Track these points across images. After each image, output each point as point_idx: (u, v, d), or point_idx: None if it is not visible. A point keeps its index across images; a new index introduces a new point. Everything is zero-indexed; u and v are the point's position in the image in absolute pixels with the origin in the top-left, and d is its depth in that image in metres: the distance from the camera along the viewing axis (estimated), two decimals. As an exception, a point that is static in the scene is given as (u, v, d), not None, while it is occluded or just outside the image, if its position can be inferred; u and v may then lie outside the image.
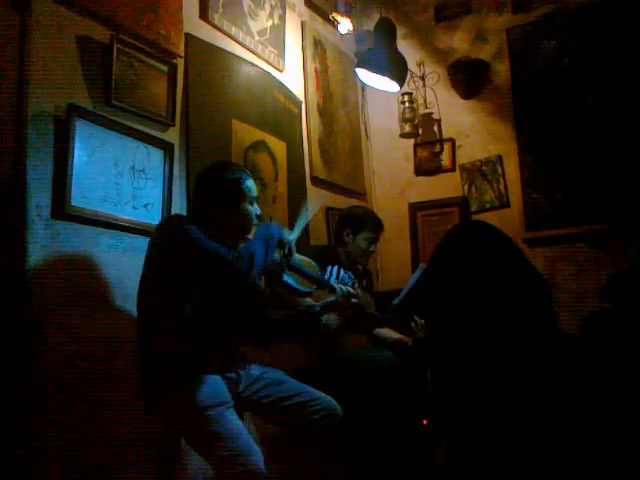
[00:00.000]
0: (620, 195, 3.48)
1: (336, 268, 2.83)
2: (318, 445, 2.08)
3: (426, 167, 4.28)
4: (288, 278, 2.11)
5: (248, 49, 3.17)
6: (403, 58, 3.64)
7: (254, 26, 3.23)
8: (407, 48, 4.14)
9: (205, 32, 2.86)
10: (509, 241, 1.54)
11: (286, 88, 3.51)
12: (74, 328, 2.04)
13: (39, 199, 2.01)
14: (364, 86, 4.35)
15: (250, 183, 2.12)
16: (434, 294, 1.56)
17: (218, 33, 2.96)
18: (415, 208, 4.27)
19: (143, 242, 2.15)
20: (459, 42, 4.22)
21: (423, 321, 2.65)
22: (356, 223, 2.95)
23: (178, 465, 2.06)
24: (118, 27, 2.33)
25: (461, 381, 1.45)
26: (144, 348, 1.96)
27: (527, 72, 3.90)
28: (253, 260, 1.91)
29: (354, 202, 4.03)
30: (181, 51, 2.65)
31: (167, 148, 2.51)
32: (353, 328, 2.69)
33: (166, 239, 1.96)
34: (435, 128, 4.26)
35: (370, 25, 4.02)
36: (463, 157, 4.15)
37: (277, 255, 2.07)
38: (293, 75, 3.64)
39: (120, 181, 2.30)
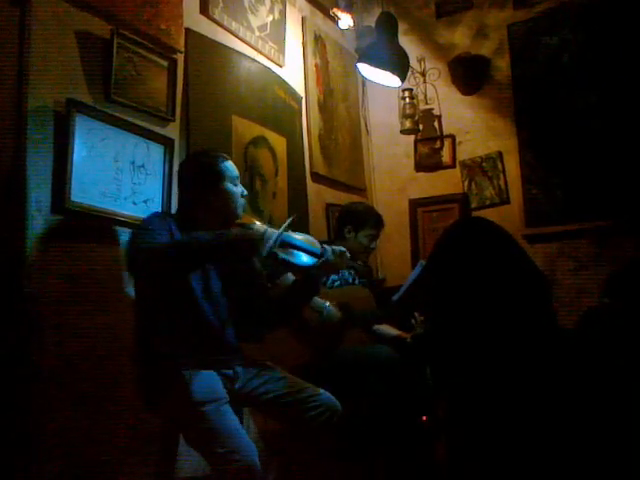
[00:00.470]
0: (620, 192, 3.48)
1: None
2: (317, 441, 2.08)
3: (426, 163, 4.28)
4: (285, 255, 2.08)
5: (248, 44, 3.16)
6: (405, 52, 3.63)
7: (254, 21, 3.22)
8: (408, 44, 4.12)
9: (205, 27, 2.86)
10: (509, 237, 1.54)
11: (286, 83, 3.50)
12: (74, 324, 2.04)
13: (39, 194, 2.01)
14: (365, 82, 4.34)
15: (228, 164, 2.12)
16: (434, 290, 1.56)
17: (218, 28, 2.95)
18: (415, 204, 4.26)
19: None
20: (460, 38, 4.20)
21: (422, 317, 2.65)
22: (357, 220, 2.95)
23: (177, 462, 2.06)
24: (118, 22, 2.32)
25: (460, 377, 1.45)
26: (141, 345, 1.97)
27: (528, 68, 3.89)
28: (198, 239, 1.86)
29: (354, 198, 4.03)
30: (181, 46, 2.65)
31: (167, 143, 2.51)
32: (354, 318, 2.69)
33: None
34: (435, 124, 4.25)
35: (370, 21, 4.01)
36: (463, 153, 4.15)
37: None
38: (293, 70, 3.64)
39: (120, 176, 2.30)
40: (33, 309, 1.94)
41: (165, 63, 2.54)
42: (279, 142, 3.34)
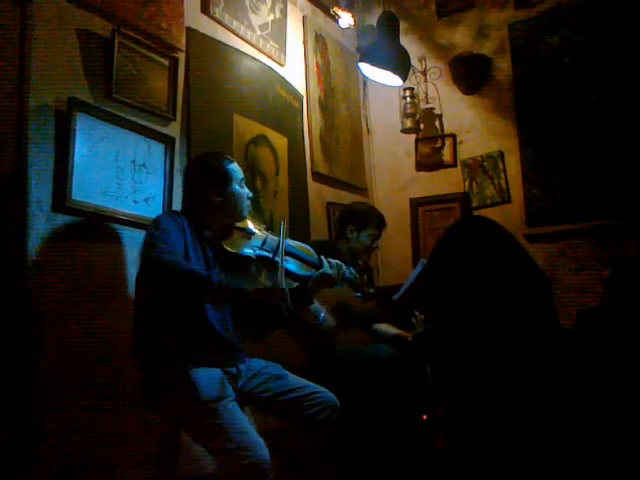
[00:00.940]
0: (621, 191, 3.48)
1: (336, 263, 2.83)
2: (317, 439, 2.09)
3: (427, 162, 4.28)
4: (286, 264, 2.10)
5: (249, 43, 3.17)
6: (406, 52, 3.63)
7: (255, 20, 3.22)
8: (409, 43, 4.11)
9: (206, 26, 2.86)
10: (510, 237, 1.54)
11: (287, 82, 3.50)
12: (75, 321, 2.04)
13: (40, 193, 2.01)
14: (366, 81, 4.34)
15: (234, 166, 2.14)
16: (434, 289, 1.57)
17: (219, 27, 2.95)
18: (416, 203, 4.26)
19: (144, 236, 2.15)
20: (461, 37, 4.20)
21: (423, 316, 2.65)
22: (360, 220, 2.95)
23: (178, 460, 2.06)
24: (119, 21, 2.33)
25: (461, 376, 1.45)
26: (142, 343, 1.97)
27: (529, 68, 3.89)
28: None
29: (355, 197, 4.03)
30: (182, 45, 2.65)
31: (168, 142, 2.51)
32: (354, 317, 2.69)
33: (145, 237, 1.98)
34: (436, 123, 4.26)
35: (371, 20, 4.01)
36: (464, 153, 4.15)
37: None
38: (294, 69, 3.64)
39: (121, 175, 2.30)
40: (34, 304, 1.94)
41: (166, 62, 2.54)
42: (280, 141, 3.34)
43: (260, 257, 2.08)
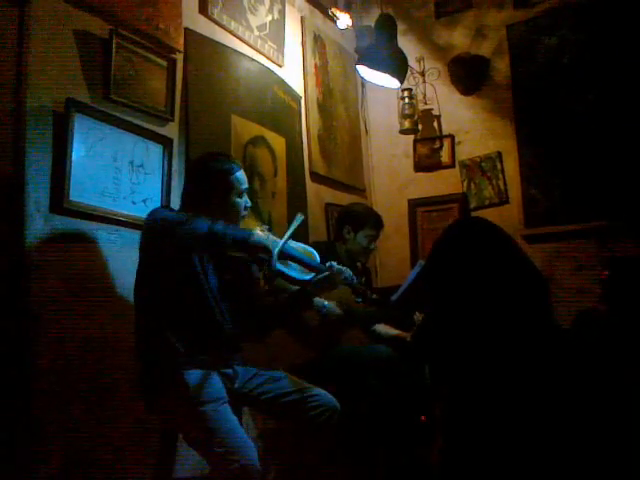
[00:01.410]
0: (619, 192, 3.48)
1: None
2: (317, 441, 2.09)
3: (425, 163, 4.28)
4: (282, 267, 2.09)
5: (248, 44, 3.16)
6: (404, 54, 3.63)
7: (254, 21, 3.22)
8: (407, 44, 4.12)
9: (204, 27, 2.86)
10: (507, 237, 1.54)
11: (285, 83, 3.50)
12: (73, 323, 2.04)
13: (37, 194, 2.01)
14: (364, 82, 4.34)
15: (240, 175, 2.11)
16: (432, 290, 1.57)
17: (217, 28, 2.95)
18: (414, 204, 4.26)
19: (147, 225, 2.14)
20: (459, 38, 4.20)
21: (422, 317, 2.65)
22: (357, 220, 2.95)
23: (176, 462, 2.06)
24: (117, 21, 2.32)
25: (458, 376, 1.45)
26: (140, 343, 1.97)
27: (527, 68, 3.89)
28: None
29: (354, 198, 4.03)
30: (180, 46, 2.65)
31: (166, 143, 2.51)
32: (353, 317, 2.69)
33: (143, 229, 1.99)
34: (435, 124, 4.26)
35: (370, 20, 4.02)
36: (462, 153, 4.15)
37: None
38: (293, 70, 3.64)
39: (119, 176, 2.30)
40: (32, 305, 1.94)
41: (164, 63, 2.54)
42: (278, 142, 3.34)
43: (257, 258, 2.07)
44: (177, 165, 2.57)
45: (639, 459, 1.27)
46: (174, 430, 2.02)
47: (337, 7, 3.98)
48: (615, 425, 1.32)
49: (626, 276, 2.39)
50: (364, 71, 3.70)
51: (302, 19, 3.82)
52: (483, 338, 1.42)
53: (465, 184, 4.09)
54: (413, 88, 4.18)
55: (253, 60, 3.20)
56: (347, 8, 4.06)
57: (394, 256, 4.26)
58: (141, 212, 2.33)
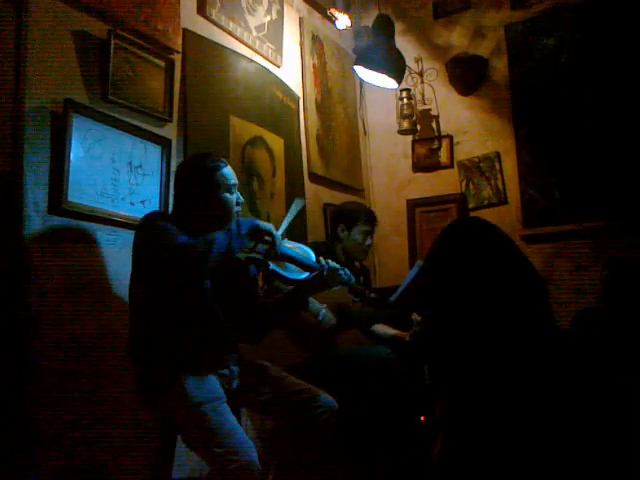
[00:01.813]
0: (618, 192, 3.48)
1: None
2: (315, 442, 2.08)
3: (424, 163, 4.28)
4: (276, 267, 2.09)
5: (246, 45, 3.17)
6: (401, 55, 3.63)
7: (252, 21, 3.23)
8: (405, 44, 4.13)
9: (203, 27, 2.86)
10: (506, 238, 1.54)
11: (284, 84, 3.51)
12: (71, 324, 2.04)
13: (36, 195, 2.01)
14: (362, 82, 4.34)
15: (227, 171, 2.10)
16: (431, 290, 1.57)
17: (216, 28, 2.95)
18: (413, 204, 4.26)
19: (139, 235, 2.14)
20: (457, 38, 4.21)
21: (421, 317, 2.65)
22: (349, 217, 2.96)
23: (175, 462, 2.06)
24: (115, 22, 2.32)
25: (457, 376, 1.45)
26: (136, 345, 1.97)
27: (525, 68, 3.89)
28: (211, 247, 1.86)
29: (352, 198, 4.03)
30: (178, 46, 2.65)
31: (164, 144, 2.51)
32: (351, 318, 2.69)
33: (137, 236, 1.98)
34: (433, 124, 4.26)
35: (368, 21, 4.01)
36: (461, 154, 4.15)
37: (262, 246, 2.04)
38: (291, 71, 3.64)
39: (117, 177, 2.30)
40: (31, 306, 1.94)
41: (162, 63, 2.54)
42: (277, 142, 3.34)
43: (250, 259, 2.08)
44: (175, 166, 2.56)
45: (639, 460, 1.27)
46: (173, 431, 2.02)
47: (336, 8, 3.98)
48: (614, 425, 1.32)
49: (625, 276, 2.39)
50: (362, 71, 3.70)
51: (300, 20, 3.82)
52: (481, 339, 1.42)
53: (464, 184, 4.09)
54: (411, 88, 4.18)
55: (251, 61, 3.20)
56: (346, 9, 4.06)
57: (393, 256, 4.26)
58: (139, 213, 2.33)
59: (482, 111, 4.09)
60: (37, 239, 2.00)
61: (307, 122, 3.74)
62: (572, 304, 3.04)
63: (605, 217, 3.47)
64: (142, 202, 2.40)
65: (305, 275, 2.12)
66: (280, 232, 1.99)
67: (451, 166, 4.18)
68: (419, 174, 4.30)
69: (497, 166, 3.97)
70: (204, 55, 2.83)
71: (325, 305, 2.55)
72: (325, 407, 2.06)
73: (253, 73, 3.19)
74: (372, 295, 2.39)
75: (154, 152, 2.47)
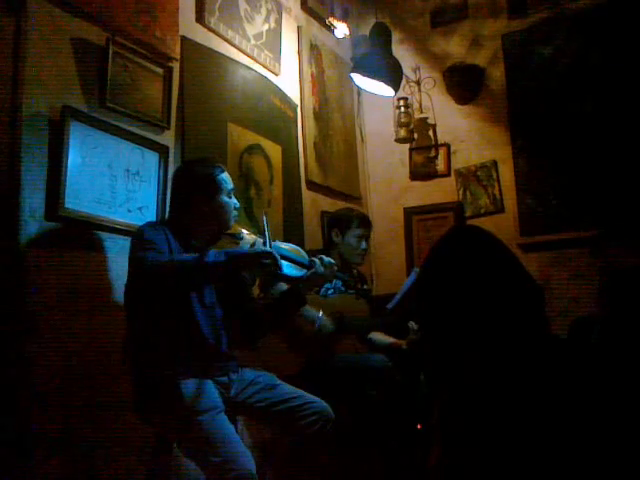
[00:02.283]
0: (615, 200, 3.49)
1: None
2: (311, 449, 2.08)
3: (421, 172, 4.29)
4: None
5: (244, 53, 3.18)
6: (398, 63, 3.65)
7: (250, 30, 3.24)
8: (403, 53, 4.15)
9: (201, 35, 2.87)
10: (502, 246, 1.54)
11: (282, 92, 3.51)
12: (68, 330, 2.03)
13: (33, 201, 2.00)
14: (360, 91, 4.36)
15: (224, 175, 2.13)
16: (427, 298, 1.56)
17: (214, 36, 2.96)
18: (410, 213, 4.27)
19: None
20: (455, 47, 4.22)
21: (418, 325, 2.65)
22: (341, 222, 2.99)
23: (171, 470, 2.05)
24: (114, 29, 2.33)
25: (455, 384, 1.45)
26: (133, 354, 1.96)
27: (522, 77, 3.91)
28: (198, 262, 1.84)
29: (349, 206, 4.03)
30: (177, 54, 2.65)
31: (162, 151, 2.51)
32: (349, 326, 2.69)
33: (132, 243, 1.99)
34: (430, 133, 4.27)
35: (366, 30, 4.03)
36: (458, 162, 4.16)
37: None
38: (289, 79, 3.65)
39: (114, 183, 2.30)
40: (27, 313, 1.93)
41: (160, 71, 2.55)
42: (274, 150, 3.34)
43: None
44: (173, 172, 2.56)
45: (635, 465, 1.27)
46: (169, 440, 2.01)
47: (334, 16, 4.00)
48: (612, 431, 1.32)
49: (623, 284, 2.39)
50: (359, 79, 3.71)
51: (299, 28, 3.84)
52: (478, 347, 1.42)
53: (460, 193, 4.10)
54: (409, 97, 4.19)
55: (249, 69, 3.21)
56: (344, 17, 4.08)
57: (390, 264, 4.26)
58: (137, 220, 2.33)
59: (479, 120, 4.11)
60: (34, 245, 2.00)
61: (305, 130, 3.74)
62: (569, 312, 3.04)
63: (602, 225, 3.47)
64: (139, 209, 2.40)
65: (303, 273, 2.13)
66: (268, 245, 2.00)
67: (448, 174, 4.18)
68: (416, 182, 4.31)
69: (494, 174, 3.98)
70: (202, 63, 2.84)
71: (321, 312, 2.55)
72: (320, 415, 2.06)
73: (251, 81, 3.20)
74: (365, 286, 2.41)
75: (151, 159, 2.47)
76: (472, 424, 1.38)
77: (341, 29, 4.00)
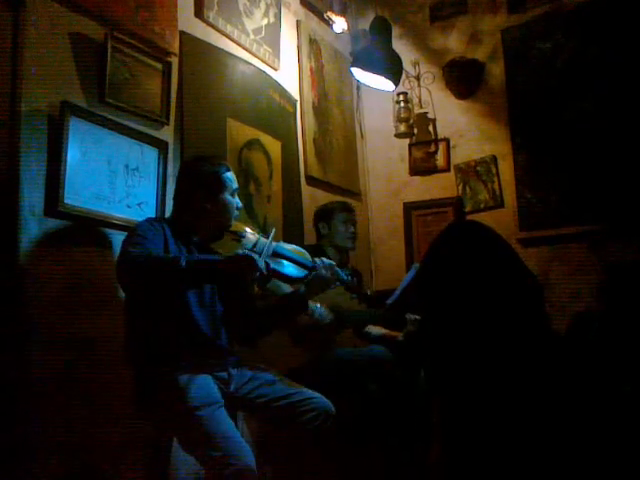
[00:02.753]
0: (615, 195, 3.49)
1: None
2: (312, 444, 2.08)
3: (421, 167, 4.28)
4: (277, 266, 2.10)
5: (243, 47, 3.17)
6: (398, 57, 3.64)
7: (249, 24, 3.23)
8: (402, 48, 4.14)
9: (200, 30, 2.86)
10: (502, 241, 1.54)
11: (281, 87, 3.51)
12: (66, 327, 2.03)
13: (32, 197, 2.00)
14: (359, 85, 4.35)
15: (230, 174, 2.14)
16: (427, 293, 1.57)
17: (213, 31, 2.95)
18: (410, 208, 4.27)
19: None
20: (454, 42, 4.22)
21: (415, 317, 2.66)
22: (325, 213, 3.07)
23: (170, 465, 2.05)
24: (113, 24, 2.32)
25: (454, 380, 1.45)
26: (132, 349, 1.96)
27: (522, 73, 3.90)
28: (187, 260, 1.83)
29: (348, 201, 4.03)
30: (176, 49, 2.64)
31: (161, 146, 2.50)
32: (346, 319, 2.69)
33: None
34: (430, 128, 4.27)
35: (365, 24, 4.02)
36: (458, 157, 4.16)
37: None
38: (288, 74, 3.64)
39: (114, 179, 2.30)
40: (26, 309, 1.93)
41: (159, 66, 2.54)
42: (274, 145, 3.34)
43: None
44: (172, 169, 2.56)
45: (635, 462, 1.28)
46: (168, 435, 2.01)
47: (333, 11, 3.99)
48: (611, 429, 1.32)
49: (622, 279, 2.40)
50: (358, 73, 3.70)
51: (298, 23, 3.82)
52: (477, 342, 1.42)
53: (460, 188, 4.10)
54: (408, 92, 4.19)
55: (249, 63, 3.20)
56: (343, 12, 4.07)
57: (389, 259, 4.26)
58: (136, 216, 2.33)
59: (479, 115, 4.10)
60: (33, 241, 1.99)
61: (304, 125, 3.74)
62: (568, 307, 3.05)
63: (602, 220, 3.47)
64: (139, 205, 2.39)
65: (305, 273, 2.13)
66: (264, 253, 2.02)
67: (448, 170, 4.18)
68: (416, 177, 4.31)
69: (494, 169, 3.98)
70: (201, 58, 2.83)
71: (319, 303, 2.55)
72: (320, 410, 2.05)
73: (250, 76, 3.19)
74: (368, 292, 2.41)
75: (151, 155, 2.46)
76: (472, 421, 1.39)
77: (340, 24, 3.99)
